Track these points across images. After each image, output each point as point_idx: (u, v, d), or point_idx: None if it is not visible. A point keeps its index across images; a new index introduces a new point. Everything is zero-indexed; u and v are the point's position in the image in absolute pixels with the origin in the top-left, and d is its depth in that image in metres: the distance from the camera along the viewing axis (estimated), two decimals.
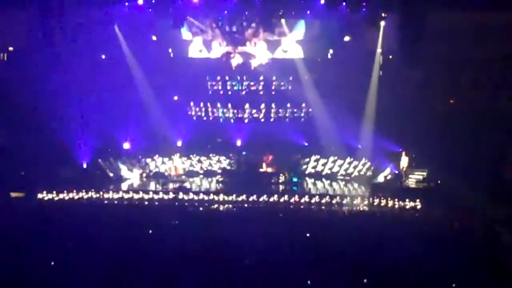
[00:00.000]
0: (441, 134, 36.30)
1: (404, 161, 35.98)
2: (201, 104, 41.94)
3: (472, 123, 36.03)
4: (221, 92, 41.72)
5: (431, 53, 37.94)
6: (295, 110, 41.53)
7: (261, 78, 41.15)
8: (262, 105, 41.25)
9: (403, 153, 36.17)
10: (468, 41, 37.87)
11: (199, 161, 40.34)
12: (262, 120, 41.48)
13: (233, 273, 20.24)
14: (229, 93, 41.65)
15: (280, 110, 41.45)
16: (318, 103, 40.63)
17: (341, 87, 39.78)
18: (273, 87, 41.37)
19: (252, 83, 41.24)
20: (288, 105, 41.44)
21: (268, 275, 20.13)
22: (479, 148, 34.64)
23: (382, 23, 38.65)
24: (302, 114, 41.60)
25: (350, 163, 39.17)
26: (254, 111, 41.37)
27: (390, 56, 40.37)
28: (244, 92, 41.46)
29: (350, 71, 39.78)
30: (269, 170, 39.02)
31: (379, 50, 40.22)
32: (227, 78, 41.48)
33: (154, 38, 40.50)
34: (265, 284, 19.36)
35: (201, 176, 39.89)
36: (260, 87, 41.33)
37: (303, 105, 41.51)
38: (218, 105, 41.54)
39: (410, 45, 37.30)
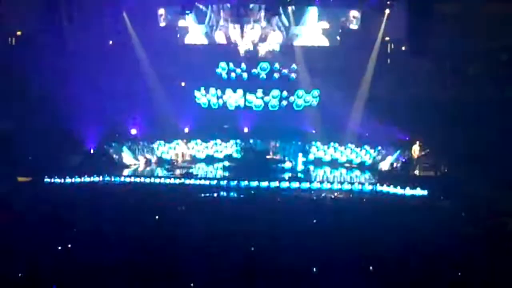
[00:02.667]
0: (449, 123, 36.25)
1: (415, 150, 35.87)
2: (211, 91, 41.81)
3: (481, 113, 35.94)
4: (229, 79, 41.57)
5: (440, 42, 37.83)
6: (304, 97, 41.38)
7: (268, 65, 40.95)
8: (276, 92, 41.03)
9: (416, 141, 36.02)
10: (477, 31, 37.72)
11: (206, 147, 40.37)
12: (274, 107, 41.27)
13: (239, 259, 20.25)
14: (237, 80, 41.50)
15: (289, 98, 41.28)
16: (326, 91, 40.61)
17: (348, 74, 39.80)
18: (280, 74, 41.19)
19: (259, 70, 41.06)
20: (296, 92, 41.30)
21: (273, 262, 20.12)
22: (487, 138, 34.55)
23: (387, 11, 38.54)
24: (310, 102, 41.48)
25: (356, 151, 39.21)
26: (264, 98, 41.20)
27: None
28: (251, 79, 41.26)
29: (358, 59, 39.82)
30: (276, 157, 38.99)
31: (380, 37, 40.21)
32: (232, 65, 41.30)
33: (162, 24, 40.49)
34: (270, 271, 19.34)
35: (208, 162, 39.90)
36: (267, 74, 41.13)
37: (314, 92, 41.40)
38: (228, 91, 41.37)
39: (418, 34, 37.19)
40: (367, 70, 40.11)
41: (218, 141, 40.55)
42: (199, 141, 40.39)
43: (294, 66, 41.06)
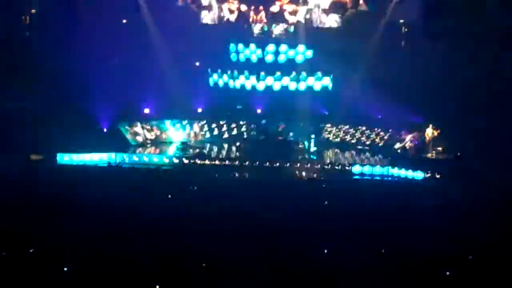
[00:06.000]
0: (462, 107, 36.07)
1: (429, 133, 35.76)
2: (227, 72, 41.64)
3: (494, 97, 35.74)
4: (238, 60, 41.35)
5: (453, 26, 37.62)
6: (320, 80, 41.18)
7: (276, 47, 40.67)
8: (293, 74, 40.77)
9: (430, 125, 35.90)
10: (492, 13, 37.48)
11: (219, 127, 40.33)
12: (290, 89, 41.06)
13: (249, 238, 20.28)
14: (246, 61, 41.25)
15: (306, 80, 41.05)
16: (340, 73, 40.46)
17: (361, 57, 39.67)
18: (293, 56, 40.97)
19: (268, 52, 40.77)
20: (315, 74, 41.03)
21: (284, 243, 20.12)
22: (501, 122, 34.39)
23: None
24: (322, 83, 41.28)
25: (370, 133, 39.14)
26: (282, 80, 40.99)
27: None
28: (260, 61, 41.02)
29: (371, 41, 39.68)
30: (288, 138, 38.95)
31: (394, 20, 40.15)
32: (242, 46, 41.05)
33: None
34: (281, 252, 19.34)
35: (220, 142, 39.89)
36: (276, 56, 40.86)
37: (330, 75, 41.24)
38: (245, 73, 41.15)
39: (433, 16, 37.01)
40: (381, 53, 39.92)
41: (231, 121, 40.45)
42: (212, 121, 40.28)
43: (304, 48, 40.72)
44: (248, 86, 41.23)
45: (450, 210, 24.64)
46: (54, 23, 38.58)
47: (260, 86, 41.00)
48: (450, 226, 22.33)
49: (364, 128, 39.50)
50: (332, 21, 40.29)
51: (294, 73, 40.77)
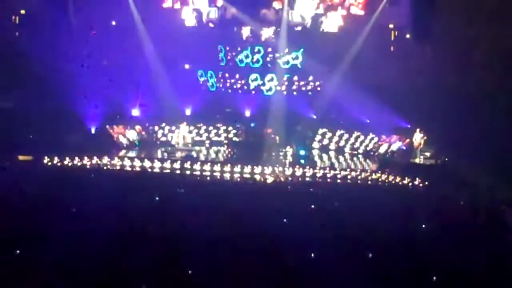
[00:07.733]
0: (450, 111, 36.14)
1: (418, 138, 35.79)
2: (219, 74, 41.60)
3: (483, 101, 35.82)
4: (227, 63, 41.31)
5: (443, 29, 37.70)
6: (303, 83, 41.20)
7: (263, 49, 40.64)
8: (284, 77, 40.72)
9: (418, 129, 35.96)
10: (481, 19, 37.57)
11: (207, 130, 40.29)
12: (281, 92, 41.05)
13: (237, 242, 20.24)
14: (239, 64, 41.23)
15: (298, 83, 41.07)
16: (328, 77, 40.47)
17: (350, 61, 39.70)
18: (283, 60, 40.95)
19: (255, 54, 40.74)
20: (295, 77, 41.05)
21: (270, 247, 20.08)
22: (489, 127, 34.46)
23: None
24: (311, 87, 41.30)
25: (357, 138, 39.18)
26: (272, 82, 41.00)
27: None
28: (250, 63, 40.99)
29: (360, 45, 39.72)
30: (277, 141, 38.93)
31: (383, 24, 40.24)
32: (228, 48, 41.04)
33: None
34: (267, 257, 19.30)
35: (208, 145, 39.85)
36: (269, 59, 40.87)
37: (312, 78, 41.24)
38: (235, 75, 41.11)
39: (422, 20, 37.11)
40: (370, 57, 39.97)
41: (219, 124, 40.41)
42: (200, 124, 40.24)
43: (294, 51, 40.71)
44: (237, 89, 41.25)
45: (437, 216, 24.69)
46: (43, 24, 38.47)
47: (249, 89, 41.02)
48: (438, 232, 22.38)
49: (359, 134, 39.50)
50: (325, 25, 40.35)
51: (283, 77, 40.80)
